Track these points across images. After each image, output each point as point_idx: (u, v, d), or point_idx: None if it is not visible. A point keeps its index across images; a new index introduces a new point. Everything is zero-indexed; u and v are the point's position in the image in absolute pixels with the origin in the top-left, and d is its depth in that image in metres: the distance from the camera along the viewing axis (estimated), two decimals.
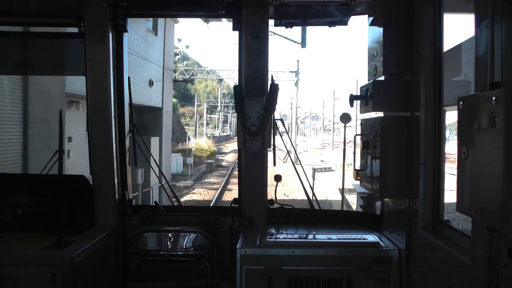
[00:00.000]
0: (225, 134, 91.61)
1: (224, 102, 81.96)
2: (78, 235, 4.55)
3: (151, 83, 25.44)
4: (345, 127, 20.73)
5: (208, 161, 46.41)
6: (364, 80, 4.57)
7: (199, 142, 63.48)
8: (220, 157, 54.17)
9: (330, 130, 70.79)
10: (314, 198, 5.35)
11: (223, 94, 78.24)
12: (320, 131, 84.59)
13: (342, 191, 18.96)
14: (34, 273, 3.99)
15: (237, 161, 6.34)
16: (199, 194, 28.99)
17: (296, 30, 30.34)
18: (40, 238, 4.35)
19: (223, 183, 32.41)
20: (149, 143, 21.63)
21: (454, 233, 3.35)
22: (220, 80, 69.30)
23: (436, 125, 3.63)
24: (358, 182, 4.85)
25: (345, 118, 20.93)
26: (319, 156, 52.51)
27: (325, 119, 71.35)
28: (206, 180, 35.84)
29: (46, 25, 5.28)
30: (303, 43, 29.93)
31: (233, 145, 66.05)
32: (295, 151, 7.04)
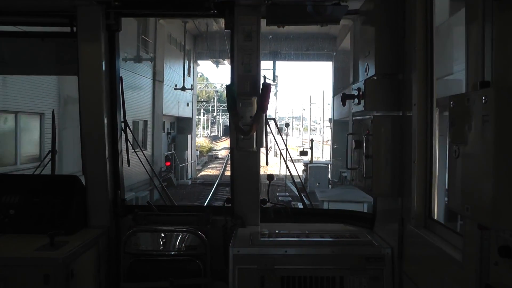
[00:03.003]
0: (213, 134, 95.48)
1: (215, 106, 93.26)
2: (71, 235, 4.53)
3: (188, 104, 41.53)
4: (287, 130, 35.10)
5: (209, 154, 62.55)
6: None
7: (198, 140, 68.26)
8: (215, 153, 66.70)
9: (313, 130, 77.21)
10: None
11: (213, 98, 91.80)
12: (303, 131, 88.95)
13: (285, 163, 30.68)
14: (26, 274, 3.97)
15: (229, 155, 6.37)
16: (209, 172, 46.61)
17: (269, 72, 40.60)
18: (33, 239, 4.32)
19: (223, 167, 46.92)
20: (186, 138, 39.61)
21: (446, 231, 3.36)
22: (216, 91, 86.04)
23: (428, 124, 3.64)
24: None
25: (286, 125, 36.02)
26: (296, 152, 60.04)
27: (307, 120, 76.44)
28: (210, 166, 52.81)
29: (38, 24, 5.24)
30: (274, 79, 42.60)
31: (223, 144, 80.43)
32: (286, 148, 7.29)
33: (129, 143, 5.28)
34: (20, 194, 4.86)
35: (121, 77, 5.19)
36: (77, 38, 4.81)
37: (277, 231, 4.73)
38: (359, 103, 4.22)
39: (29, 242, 4.27)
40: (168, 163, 32.70)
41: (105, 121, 4.91)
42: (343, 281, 4.15)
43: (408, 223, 3.81)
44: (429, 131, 3.63)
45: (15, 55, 5.53)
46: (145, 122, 29.54)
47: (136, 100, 27.09)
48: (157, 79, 30.94)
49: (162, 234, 4.82)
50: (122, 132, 5.24)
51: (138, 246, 4.79)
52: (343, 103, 4.55)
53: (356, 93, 4.29)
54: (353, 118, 4.62)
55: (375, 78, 4.10)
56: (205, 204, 24.94)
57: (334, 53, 40.10)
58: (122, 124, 5.25)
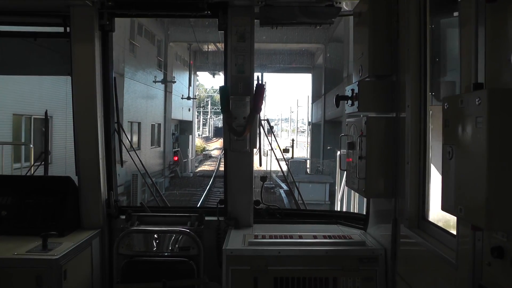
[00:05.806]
0: (204, 135, 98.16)
1: (208, 108, 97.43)
2: (64, 236, 4.50)
3: (189, 109, 48.23)
4: (260, 132, 40.64)
5: (203, 153, 68.95)
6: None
7: None
8: (208, 152, 72.69)
9: (302, 132, 79.54)
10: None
11: (205, 101, 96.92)
12: (291, 132, 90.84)
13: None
14: (19, 276, 3.95)
15: (222, 153, 6.44)
16: (206, 168, 52.18)
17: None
18: (25, 240, 4.29)
19: (217, 164, 53.06)
20: (188, 138, 44.20)
21: (439, 232, 3.37)
22: (211, 96, 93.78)
23: (421, 125, 3.64)
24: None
25: (271, 128, 40.03)
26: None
27: (296, 121, 79.01)
28: (206, 163, 59.01)
29: (31, 24, 5.21)
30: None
31: (214, 144, 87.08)
32: (280, 148, 7.45)
33: (122, 144, 5.27)
34: (12, 195, 4.82)
35: (114, 77, 5.16)
36: (70, 38, 4.78)
37: (270, 232, 4.73)
38: (352, 104, 4.23)
39: (21, 243, 4.24)
40: (176, 158, 38.76)
41: (99, 121, 4.88)
42: (336, 282, 4.16)
43: (401, 224, 3.82)
44: (422, 133, 3.64)
45: (7, 55, 5.49)
46: (159, 125, 36.44)
47: (153, 108, 34.80)
48: (168, 91, 38.33)
49: (156, 235, 4.81)
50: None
51: (132, 247, 4.77)
52: (337, 104, 4.56)
53: (349, 94, 4.29)
54: (347, 119, 4.62)
55: (369, 79, 4.11)
56: (200, 201, 27.10)
57: (312, 67, 47.77)
58: (116, 125, 5.24)
